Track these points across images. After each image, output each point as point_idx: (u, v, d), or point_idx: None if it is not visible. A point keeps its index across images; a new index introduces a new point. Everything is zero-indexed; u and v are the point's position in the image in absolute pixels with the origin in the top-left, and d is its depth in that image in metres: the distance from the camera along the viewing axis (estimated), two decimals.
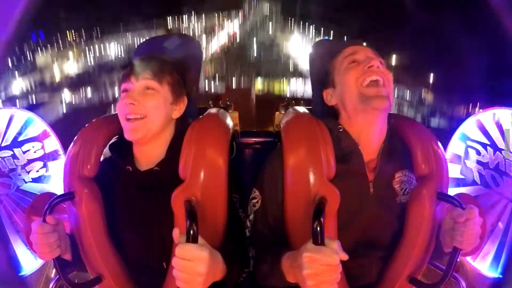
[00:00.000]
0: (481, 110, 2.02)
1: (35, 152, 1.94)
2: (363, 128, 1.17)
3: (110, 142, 1.25)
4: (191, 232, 0.90)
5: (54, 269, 1.14)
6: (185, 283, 0.90)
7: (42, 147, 1.95)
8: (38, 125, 1.95)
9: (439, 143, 1.22)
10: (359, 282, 1.16)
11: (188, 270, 0.89)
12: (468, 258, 1.95)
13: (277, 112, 1.84)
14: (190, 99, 1.41)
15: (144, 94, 1.17)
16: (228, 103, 2.02)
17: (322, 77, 1.29)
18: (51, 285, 1.29)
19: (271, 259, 1.08)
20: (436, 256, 1.18)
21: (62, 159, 1.96)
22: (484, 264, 1.94)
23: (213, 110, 1.34)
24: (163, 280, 1.12)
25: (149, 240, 1.17)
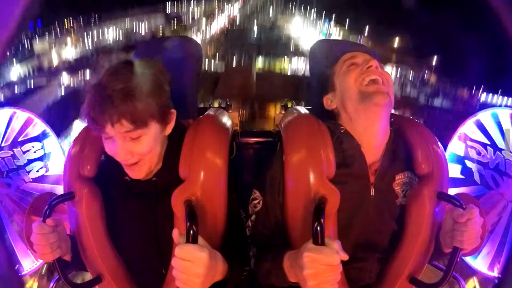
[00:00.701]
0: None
1: (35, 152, 1.94)
2: (365, 128, 1.16)
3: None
4: (191, 232, 0.90)
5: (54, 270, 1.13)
6: (184, 283, 0.90)
7: (42, 147, 1.95)
8: (38, 125, 1.95)
9: (439, 143, 1.22)
10: (358, 284, 1.16)
11: (187, 270, 0.89)
12: (468, 258, 1.96)
13: (277, 112, 1.82)
14: (191, 100, 1.41)
15: (131, 143, 1.04)
16: (228, 103, 2.00)
17: (322, 83, 1.30)
18: (51, 285, 1.29)
19: (272, 258, 1.08)
20: (436, 257, 1.18)
21: (62, 159, 1.96)
22: (484, 264, 1.94)
23: (213, 111, 1.34)
24: (161, 274, 1.12)
25: (147, 247, 1.17)
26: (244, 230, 1.23)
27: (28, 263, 1.88)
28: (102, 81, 1.00)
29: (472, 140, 2.01)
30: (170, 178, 1.12)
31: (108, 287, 1.16)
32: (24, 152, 1.92)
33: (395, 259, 1.15)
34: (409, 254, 1.13)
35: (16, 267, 1.78)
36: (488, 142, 1.96)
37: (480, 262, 1.96)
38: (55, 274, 1.19)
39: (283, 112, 1.72)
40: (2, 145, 1.88)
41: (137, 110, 0.99)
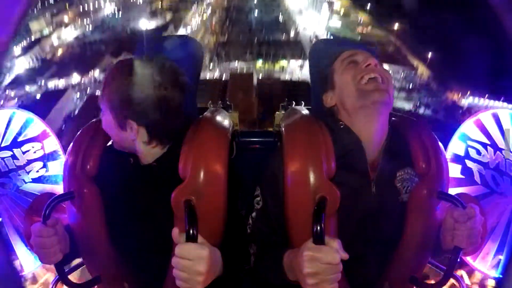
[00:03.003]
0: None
1: (34, 152, 1.93)
2: (364, 126, 1.17)
3: None
4: (191, 231, 0.90)
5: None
6: (185, 282, 0.90)
7: (42, 147, 1.95)
8: (38, 125, 1.94)
9: (440, 143, 1.22)
10: (359, 279, 1.16)
11: (188, 269, 0.89)
12: (468, 258, 1.95)
13: (277, 112, 1.82)
14: (190, 100, 1.41)
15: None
16: (228, 103, 2.00)
17: (321, 81, 1.30)
18: (51, 285, 1.29)
19: (272, 256, 1.08)
20: (436, 255, 1.18)
21: (62, 159, 1.96)
22: (484, 264, 1.94)
23: (213, 110, 1.34)
24: (161, 274, 1.12)
25: (147, 232, 1.18)
26: (245, 228, 1.23)
27: (28, 263, 1.87)
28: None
29: (472, 140, 2.01)
30: (170, 166, 1.13)
31: (107, 287, 1.16)
32: (24, 153, 1.92)
33: (396, 259, 1.15)
34: (410, 254, 1.13)
35: (15, 267, 1.78)
36: (489, 142, 1.96)
37: (480, 262, 1.96)
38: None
39: (283, 112, 1.72)
40: (2, 145, 1.88)
41: (107, 92, 1.14)
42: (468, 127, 2.03)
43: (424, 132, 1.23)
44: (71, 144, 1.25)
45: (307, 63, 1.48)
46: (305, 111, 1.30)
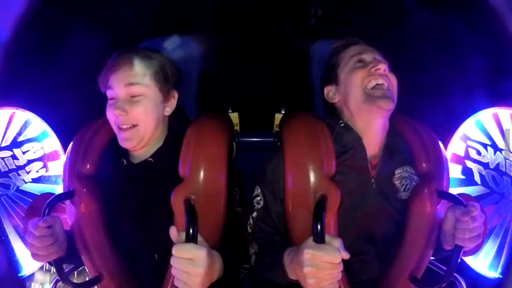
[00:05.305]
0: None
1: (34, 152, 1.93)
2: (366, 125, 1.18)
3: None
4: (191, 231, 0.90)
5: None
6: (184, 281, 0.90)
7: (42, 147, 1.95)
8: (38, 125, 1.94)
9: (440, 142, 1.22)
10: (359, 277, 1.16)
11: (187, 269, 0.89)
12: (468, 258, 1.95)
13: (277, 113, 1.82)
14: (190, 100, 1.42)
15: (131, 101, 1.12)
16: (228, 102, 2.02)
17: (324, 72, 1.30)
18: (51, 285, 1.29)
19: (273, 255, 1.08)
20: (436, 255, 1.18)
21: (62, 159, 1.96)
22: (484, 264, 1.94)
23: (213, 110, 1.34)
24: (155, 272, 1.12)
25: (146, 232, 1.18)
26: (245, 228, 1.23)
27: (28, 264, 1.87)
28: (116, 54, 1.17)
29: (472, 140, 2.01)
30: (166, 162, 1.13)
31: (107, 286, 1.16)
32: (24, 153, 1.92)
33: (396, 259, 1.15)
34: (410, 254, 1.13)
35: (15, 267, 1.78)
36: (489, 142, 1.96)
37: (480, 262, 1.95)
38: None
39: (283, 112, 1.73)
40: (2, 145, 1.88)
41: (143, 69, 1.11)
42: (468, 127, 2.03)
43: (424, 131, 1.23)
44: (71, 143, 1.25)
45: None
46: (304, 111, 1.30)
